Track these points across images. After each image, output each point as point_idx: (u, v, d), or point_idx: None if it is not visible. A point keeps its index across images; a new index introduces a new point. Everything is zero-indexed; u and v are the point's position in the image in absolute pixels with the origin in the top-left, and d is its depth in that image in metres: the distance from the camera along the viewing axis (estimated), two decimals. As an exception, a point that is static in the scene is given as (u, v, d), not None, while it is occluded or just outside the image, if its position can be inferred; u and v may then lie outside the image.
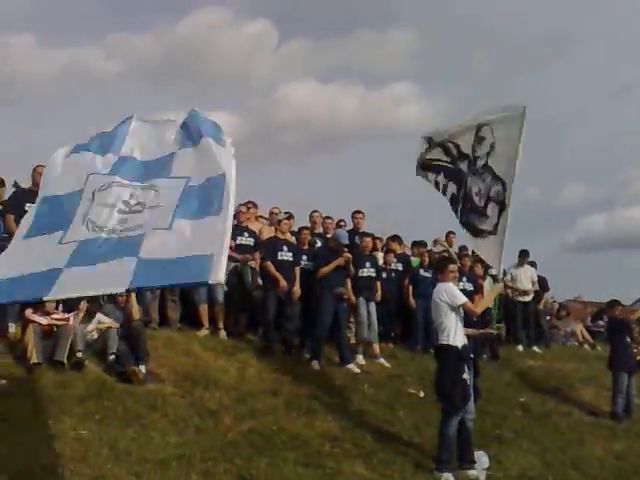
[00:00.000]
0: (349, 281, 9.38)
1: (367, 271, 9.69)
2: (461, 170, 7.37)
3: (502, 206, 6.87)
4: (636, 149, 57.03)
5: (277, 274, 8.94)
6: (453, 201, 7.49)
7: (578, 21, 53.26)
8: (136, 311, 7.53)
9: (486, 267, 11.93)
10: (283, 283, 8.94)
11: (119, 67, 52.12)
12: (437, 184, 7.69)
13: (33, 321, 6.84)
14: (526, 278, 12.42)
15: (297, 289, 9.13)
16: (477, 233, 7.23)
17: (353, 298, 9.38)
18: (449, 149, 7.50)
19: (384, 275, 10.33)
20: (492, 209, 6.98)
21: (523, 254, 12.51)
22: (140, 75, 55.53)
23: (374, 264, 9.89)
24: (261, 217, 10.90)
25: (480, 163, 7.15)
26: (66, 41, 54.97)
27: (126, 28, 60.90)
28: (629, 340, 9.70)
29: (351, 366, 8.93)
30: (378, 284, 9.91)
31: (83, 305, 7.31)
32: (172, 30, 53.84)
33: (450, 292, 6.50)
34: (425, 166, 7.79)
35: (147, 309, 8.61)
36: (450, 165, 7.52)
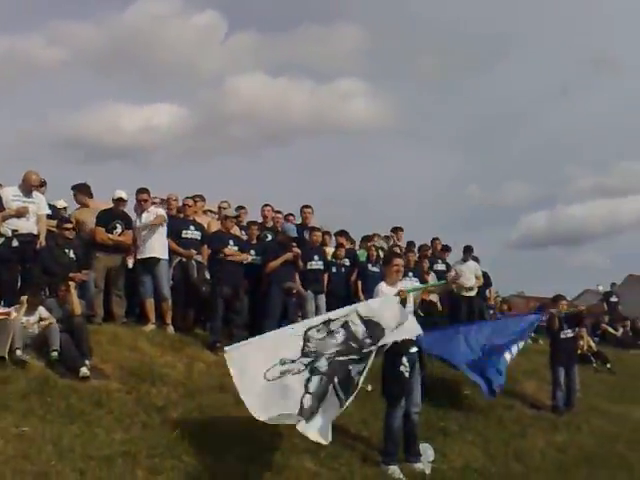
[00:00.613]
0: (297, 275, 9.43)
1: (315, 264, 9.76)
2: None
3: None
4: (577, 148, 58.97)
5: (233, 251, 8.96)
6: None
7: (522, 22, 54.66)
8: (77, 306, 7.36)
9: (431, 262, 12.16)
10: (245, 257, 9.08)
11: (62, 55, 50.88)
12: None
13: (-27, 316, 6.61)
14: (470, 273, 12.62)
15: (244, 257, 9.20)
16: None
17: (304, 291, 9.43)
18: None
19: (334, 270, 10.40)
20: None
21: (467, 250, 12.72)
22: (84, 64, 54.36)
23: (322, 257, 9.96)
24: (210, 211, 10.79)
25: None
26: (5, 28, 53.29)
27: (69, 16, 59.47)
28: (571, 334, 9.90)
29: (299, 360, 8.94)
30: (325, 277, 9.97)
31: (24, 299, 7.10)
32: (117, 19, 52.92)
33: (375, 294, 6.67)
34: None
35: (91, 304, 8.44)
36: None
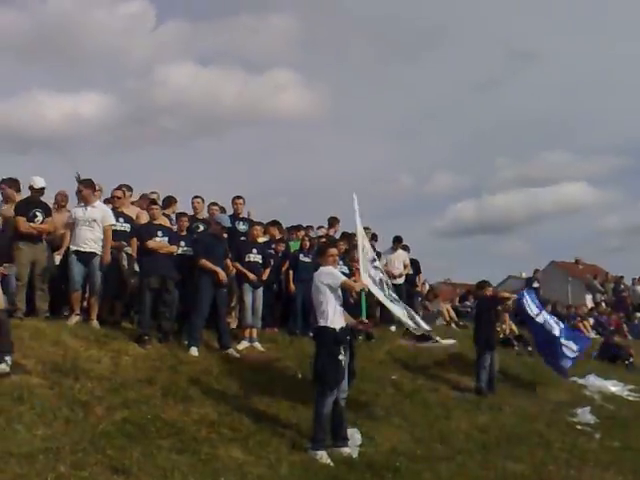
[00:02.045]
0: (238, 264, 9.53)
1: (254, 257, 9.76)
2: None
3: None
4: (502, 139, 60.81)
5: (159, 243, 8.85)
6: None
7: (451, 14, 55.78)
8: (0, 300, 7.11)
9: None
10: (172, 249, 8.99)
11: (-20, 40, 48.68)
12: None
13: None
14: (399, 262, 13.07)
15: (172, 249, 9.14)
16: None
17: (252, 276, 9.55)
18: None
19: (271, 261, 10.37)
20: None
21: (396, 240, 13.32)
22: (6, 50, 52.16)
23: (261, 251, 9.94)
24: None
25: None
26: None
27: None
28: (493, 319, 10.32)
29: (230, 351, 8.95)
30: (267, 271, 10.01)
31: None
32: (42, 4, 50.97)
33: (331, 274, 6.76)
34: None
35: (13, 299, 8.18)
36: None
